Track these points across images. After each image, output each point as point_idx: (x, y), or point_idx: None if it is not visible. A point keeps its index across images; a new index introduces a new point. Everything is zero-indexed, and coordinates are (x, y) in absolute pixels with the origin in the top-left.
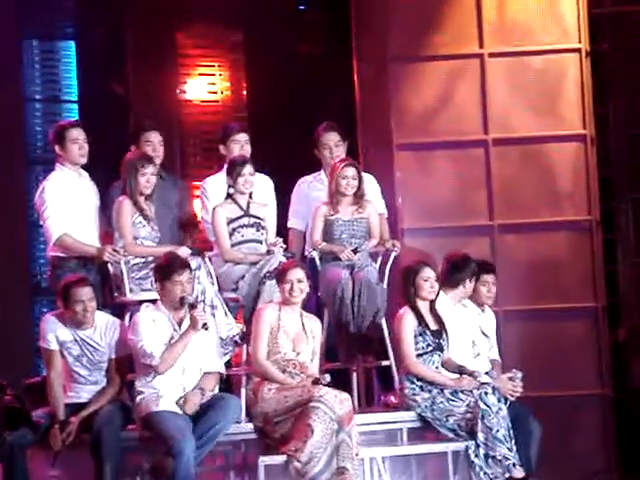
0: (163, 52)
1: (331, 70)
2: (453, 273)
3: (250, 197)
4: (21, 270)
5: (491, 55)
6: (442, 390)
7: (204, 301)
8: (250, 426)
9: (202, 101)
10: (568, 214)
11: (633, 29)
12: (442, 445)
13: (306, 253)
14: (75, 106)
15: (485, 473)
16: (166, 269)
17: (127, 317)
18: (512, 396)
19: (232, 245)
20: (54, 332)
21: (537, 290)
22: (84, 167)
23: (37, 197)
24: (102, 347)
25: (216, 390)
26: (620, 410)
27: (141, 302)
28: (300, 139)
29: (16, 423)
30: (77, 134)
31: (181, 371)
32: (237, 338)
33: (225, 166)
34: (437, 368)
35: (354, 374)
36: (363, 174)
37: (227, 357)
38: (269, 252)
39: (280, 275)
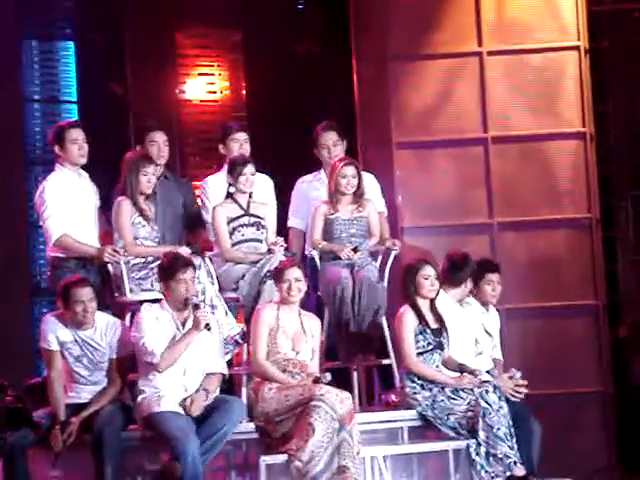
0: (162, 52)
1: (330, 69)
2: (453, 272)
3: (250, 196)
4: (21, 271)
5: (490, 53)
6: (443, 389)
7: (204, 301)
8: (251, 426)
9: (201, 101)
10: (568, 212)
11: (633, 26)
12: (443, 444)
13: (306, 252)
14: (74, 106)
15: (486, 471)
16: (170, 268)
17: (127, 317)
18: (514, 397)
19: (232, 244)
20: (54, 332)
21: (537, 288)
22: (84, 167)
23: (37, 197)
24: (102, 347)
25: (217, 391)
26: (621, 407)
27: (141, 302)
28: (299, 138)
29: (17, 423)
30: (77, 134)
31: (182, 372)
32: (238, 338)
33: (225, 165)
34: (438, 367)
35: (355, 373)
36: (363, 173)
37: (228, 357)
38: (269, 251)
39: (278, 275)
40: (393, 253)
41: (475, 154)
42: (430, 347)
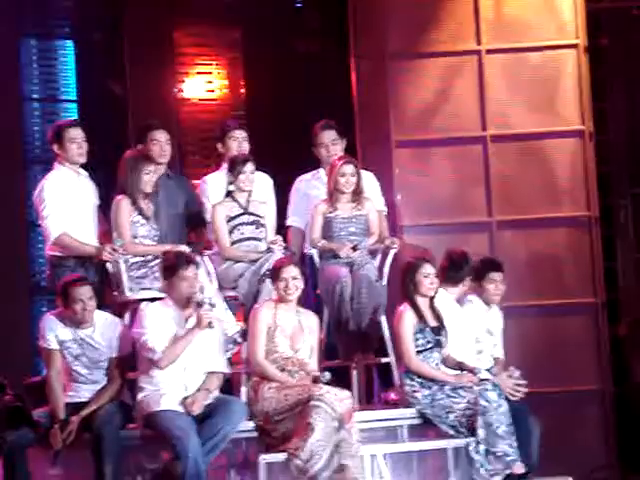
0: (161, 51)
1: (329, 67)
2: (453, 270)
3: (250, 195)
4: (20, 269)
5: (489, 52)
6: (442, 387)
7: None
8: (251, 424)
9: (200, 99)
10: (567, 210)
11: (632, 24)
12: (442, 442)
13: (305, 251)
14: (73, 105)
15: (486, 469)
16: (173, 265)
17: (126, 316)
18: (513, 395)
19: (232, 243)
20: (54, 331)
21: (536, 286)
22: (83, 166)
23: (36, 196)
24: (102, 346)
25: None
26: (621, 405)
27: (140, 301)
28: (298, 137)
29: (16, 423)
30: (75, 133)
31: (183, 370)
32: (237, 336)
33: (224, 164)
34: (437, 365)
35: (354, 371)
36: (362, 171)
37: (227, 355)
38: (269, 250)
39: (274, 273)
40: (392, 251)
41: (474, 152)
42: (429, 345)
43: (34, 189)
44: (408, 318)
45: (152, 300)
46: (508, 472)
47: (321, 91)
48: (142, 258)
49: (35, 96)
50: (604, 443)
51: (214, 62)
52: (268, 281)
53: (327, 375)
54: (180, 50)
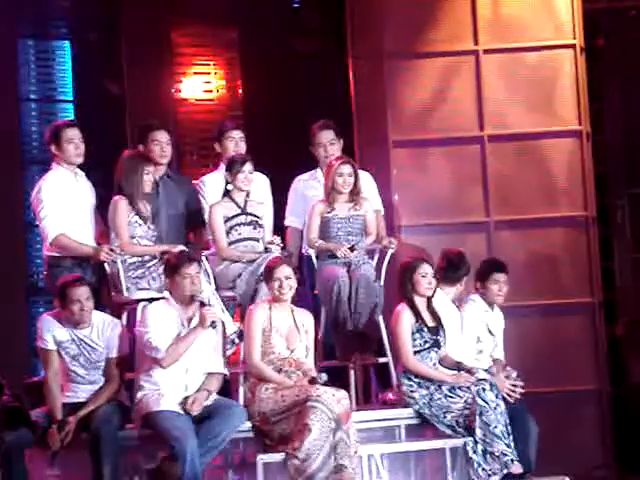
0: (158, 51)
1: (326, 67)
2: (450, 270)
3: (247, 195)
4: (18, 270)
5: (486, 52)
6: (440, 387)
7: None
8: (248, 425)
9: (197, 100)
10: (564, 210)
11: (628, 24)
12: (440, 441)
13: (303, 251)
14: (71, 106)
15: (483, 469)
16: (175, 263)
17: (124, 316)
18: (510, 396)
19: (229, 243)
20: (51, 332)
21: (534, 286)
22: (80, 166)
23: (33, 197)
24: (99, 346)
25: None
26: (618, 405)
27: (138, 301)
28: (296, 137)
29: (14, 423)
30: (73, 134)
31: (184, 371)
32: (234, 337)
33: (221, 164)
34: (434, 365)
35: (352, 371)
36: (359, 171)
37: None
38: (266, 250)
39: (267, 274)
40: (390, 251)
41: (471, 152)
42: (427, 345)
43: (32, 189)
44: (406, 318)
45: (150, 300)
46: (506, 472)
47: (319, 91)
48: (140, 258)
49: (32, 96)
50: (601, 443)
51: (212, 62)
52: None
53: (324, 376)
54: (178, 50)
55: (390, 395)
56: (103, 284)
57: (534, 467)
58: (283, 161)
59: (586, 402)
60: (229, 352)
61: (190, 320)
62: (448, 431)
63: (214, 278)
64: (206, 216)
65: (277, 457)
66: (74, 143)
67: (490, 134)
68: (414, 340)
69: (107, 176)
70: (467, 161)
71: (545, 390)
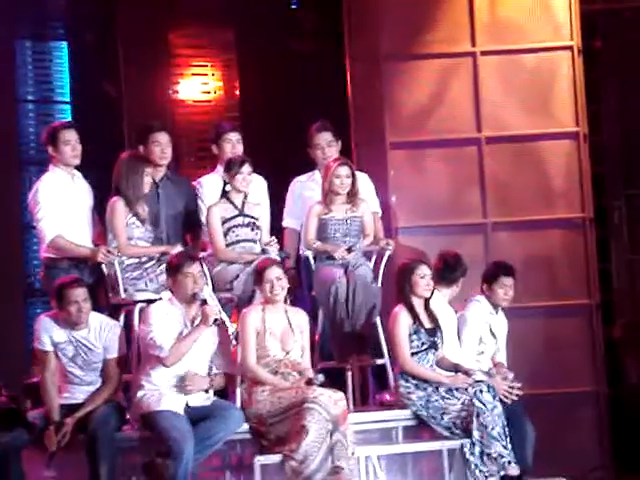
0: (155, 52)
1: (324, 69)
2: (446, 272)
3: (245, 197)
4: (15, 271)
5: (483, 53)
6: (437, 388)
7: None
8: (245, 426)
9: (195, 101)
10: (561, 212)
11: (626, 26)
12: (437, 443)
13: (300, 252)
14: (68, 107)
15: (480, 471)
16: (177, 262)
17: (122, 318)
18: (507, 398)
19: (227, 245)
20: (48, 333)
21: (531, 288)
22: (77, 168)
23: (30, 198)
24: (97, 348)
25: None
26: (615, 407)
27: (135, 302)
28: (293, 138)
29: (11, 424)
30: (70, 135)
31: (185, 371)
32: (232, 338)
33: (218, 166)
34: (432, 366)
35: (349, 373)
36: (357, 173)
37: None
38: (264, 251)
39: (258, 275)
40: (387, 253)
41: (469, 154)
42: (424, 347)
43: (29, 191)
44: (403, 319)
45: (147, 302)
46: (503, 473)
47: (316, 92)
48: (137, 260)
49: (30, 98)
50: (599, 444)
51: (209, 63)
52: None
53: (320, 377)
54: (175, 51)
55: (387, 396)
56: (100, 285)
57: (531, 469)
58: (280, 162)
59: (583, 404)
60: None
61: (193, 319)
62: (445, 433)
63: (211, 279)
64: (203, 217)
65: (274, 459)
66: (71, 144)
67: (487, 136)
68: (411, 342)
69: (104, 177)
70: (464, 163)
71: (542, 392)
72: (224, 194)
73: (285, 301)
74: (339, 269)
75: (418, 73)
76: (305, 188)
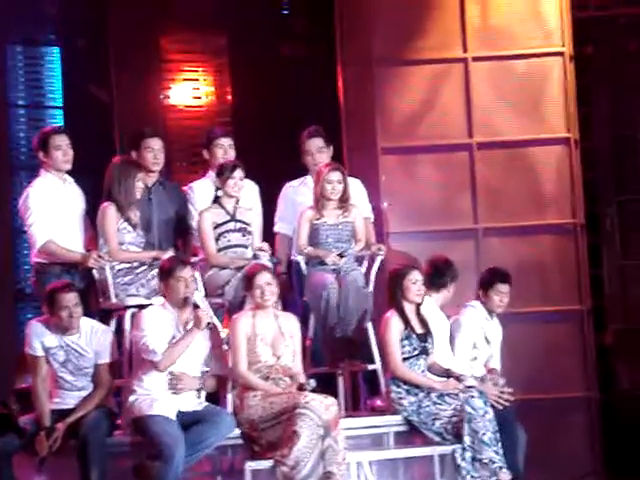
0: (147, 57)
1: (315, 74)
2: (436, 277)
3: (237, 202)
4: (5, 276)
5: (475, 59)
6: (428, 394)
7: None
8: (237, 432)
9: (186, 106)
10: (553, 217)
11: (617, 32)
12: (429, 449)
13: (292, 257)
14: (59, 112)
15: (472, 476)
16: (169, 267)
17: (113, 323)
18: (498, 403)
19: (218, 250)
20: (39, 338)
21: (522, 293)
22: (69, 173)
23: (21, 203)
24: (88, 353)
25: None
26: (606, 412)
27: (126, 307)
28: (285, 143)
29: (2, 429)
30: (61, 140)
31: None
32: (224, 342)
33: (210, 171)
34: (423, 372)
35: (340, 378)
36: (349, 178)
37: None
38: (255, 257)
39: (248, 281)
40: (379, 258)
41: (460, 160)
42: (416, 352)
43: (20, 196)
44: (395, 325)
45: (138, 307)
46: (494, 479)
47: (308, 97)
48: (128, 265)
49: (21, 102)
50: (590, 450)
51: (200, 68)
52: None
53: (312, 383)
54: (166, 56)
55: (379, 402)
56: (91, 290)
57: (523, 474)
58: (272, 167)
59: (575, 409)
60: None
61: (185, 324)
62: (437, 438)
63: (203, 284)
64: (194, 222)
65: (266, 464)
66: (62, 150)
67: (479, 141)
68: (403, 347)
69: (96, 182)
70: (456, 168)
71: (534, 397)
72: (216, 199)
73: (280, 306)
74: (331, 274)
75: (410, 78)
76: (297, 193)
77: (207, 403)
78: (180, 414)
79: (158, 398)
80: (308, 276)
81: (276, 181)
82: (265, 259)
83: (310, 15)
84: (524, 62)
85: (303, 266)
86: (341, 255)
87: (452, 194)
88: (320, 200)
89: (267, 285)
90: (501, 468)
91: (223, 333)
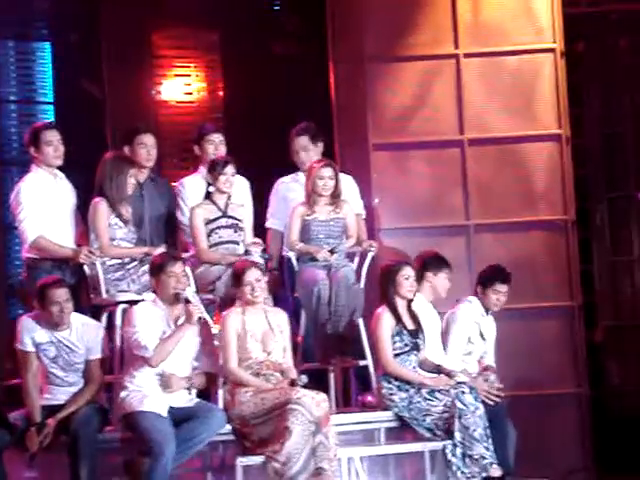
0: (139, 53)
1: (307, 70)
2: (427, 266)
3: (229, 198)
4: None
5: (466, 55)
6: (419, 390)
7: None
8: (228, 427)
9: (178, 102)
10: (544, 214)
11: (608, 29)
12: (419, 445)
13: (283, 253)
14: (51, 107)
15: (462, 472)
16: (160, 262)
17: (104, 318)
18: (489, 399)
19: (210, 246)
20: (30, 334)
21: (513, 290)
22: (60, 168)
23: (12, 199)
24: (78, 348)
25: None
26: (597, 408)
27: (117, 303)
28: (276, 139)
29: None
30: (52, 136)
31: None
32: (215, 338)
33: (200, 167)
34: (414, 368)
35: (331, 374)
36: (341, 174)
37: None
38: (247, 253)
39: (237, 279)
40: (370, 254)
41: (451, 156)
42: (407, 348)
43: (11, 191)
44: (386, 321)
45: (129, 303)
46: (485, 475)
47: (299, 94)
48: (119, 260)
49: (12, 98)
50: (580, 446)
51: (192, 64)
52: None
53: (304, 378)
54: (158, 52)
55: (370, 398)
56: (82, 286)
57: (513, 470)
58: (264, 163)
59: (565, 405)
60: None
61: (176, 319)
62: (427, 434)
63: (194, 280)
64: (185, 218)
65: (257, 460)
66: (53, 145)
67: (470, 138)
68: (394, 343)
69: (87, 178)
70: (447, 164)
71: (524, 393)
72: (207, 195)
73: (267, 303)
74: (322, 270)
75: (401, 75)
76: (289, 189)
77: (198, 399)
78: (171, 410)
79: (149, 394)
80: (299, 272)
81: (268, 177)
82: (257, 255)
83: (302, 13)
84: (515, 58)
85: (294, 262)
86: (332, 251)
87: (443, 190)
88: (311, 196)
89: (257, 281)
90: (492, 464)
91: (215, 329)
